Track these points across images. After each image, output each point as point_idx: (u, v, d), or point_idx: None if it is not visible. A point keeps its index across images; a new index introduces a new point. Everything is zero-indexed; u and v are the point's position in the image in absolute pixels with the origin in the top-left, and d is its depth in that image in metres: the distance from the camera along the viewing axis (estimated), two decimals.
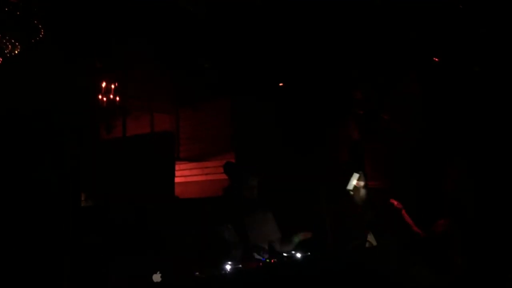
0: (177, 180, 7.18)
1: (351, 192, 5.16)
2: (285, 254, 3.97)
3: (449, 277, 4.87)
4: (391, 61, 6.25)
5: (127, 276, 4.17)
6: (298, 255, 3.94)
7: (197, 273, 3.44)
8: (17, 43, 4.11)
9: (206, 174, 8.48)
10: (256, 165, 5.11)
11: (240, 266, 3.67)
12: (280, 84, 7.01)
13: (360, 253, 4.74)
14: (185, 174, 8.61)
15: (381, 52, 6.18)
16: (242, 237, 4.06)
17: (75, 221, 4.52)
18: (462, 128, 5.96)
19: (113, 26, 5.64)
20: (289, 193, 5.81)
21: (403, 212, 5.33)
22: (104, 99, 7.82)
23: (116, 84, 7.90)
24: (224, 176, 4.55)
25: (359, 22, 5.90)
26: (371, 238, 4.94)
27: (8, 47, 4.08)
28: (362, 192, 5.18)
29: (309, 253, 4.04)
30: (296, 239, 4.23)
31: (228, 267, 3.56)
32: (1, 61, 4.12)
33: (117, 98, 7.88)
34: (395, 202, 5.36)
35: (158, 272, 3.34)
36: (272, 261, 3.85)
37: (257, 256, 3.99)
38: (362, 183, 5.20)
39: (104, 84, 7.83)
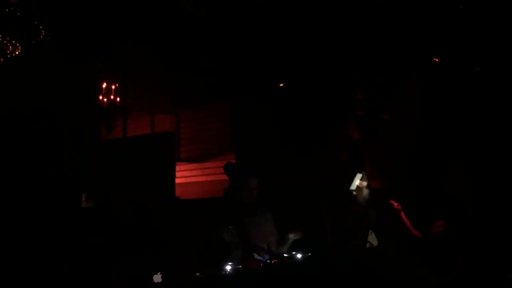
0: (177, 180, 7.19)
1: (354, 192, 5.16)
2: (285, 255, 3.97)
3: (449, 277, 4.87)
4: (391, 61, 6.26)
5: (127, 276, 4.18)
6: (298, 255, 3.94)
7: (198, 273, 3.44)
8: (17, 44, 4.11)
9: (207, 174, 8.47)
10: (257, 165, 5.11)
11: (240, 266, 3.68)
12: (281, 85, 7.02)
13: (360, 253, 4.74)
14: (185, 175, 8.61)
15: (381, 52, 6.18)
16: (242, 238, 4.07)
17: (75, 221, 4.53)
18: (462, 128, 5.95)
19: (113, 26, 5.63)
20: (289, 193, 5.82)
21: (402, 214, 5.33)
22: (105, 99, 7.81)
23: (117, 84, 7.89)
24: (224, 177, 4.55)
25: (359, 22, 5.90)
26: (372, 238, 4.94)
27: (9, 47, 4.09)
28: (365, 192, 5.17)
29: (309, 254, 4.04)
30: (288, 239, 4.24)
31: (228, 267, 3.57)
32: (2, 62, 4.12)
33: (118, 99, 7.87)
34: (395, 204, 5.36)
35: (159, 273, 3.34)
36: (273, 261, 3.85)
37: (257, 257, 4.00)
38: (365, 183, 5.19)
39: (104, 85, 7.82)
